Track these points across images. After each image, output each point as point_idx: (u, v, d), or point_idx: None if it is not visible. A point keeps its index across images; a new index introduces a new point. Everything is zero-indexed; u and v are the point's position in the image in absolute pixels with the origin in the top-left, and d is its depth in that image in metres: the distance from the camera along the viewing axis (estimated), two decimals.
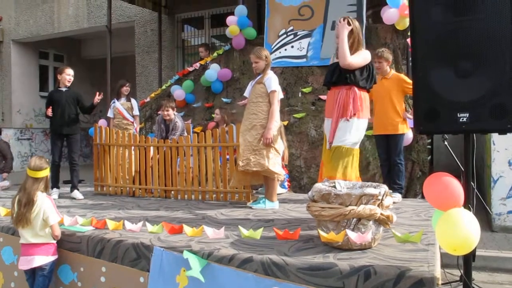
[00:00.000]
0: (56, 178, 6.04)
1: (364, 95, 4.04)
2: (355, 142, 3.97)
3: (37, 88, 15.43)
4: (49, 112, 5.88)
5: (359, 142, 4.04)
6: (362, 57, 3.99)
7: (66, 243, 3.75)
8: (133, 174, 6.13)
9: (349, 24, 3.98)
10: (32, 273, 3.64)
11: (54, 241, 3.69)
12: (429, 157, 6.14)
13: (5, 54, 14.77)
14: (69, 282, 3.73)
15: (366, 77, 4.02)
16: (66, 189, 6.23)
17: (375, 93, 5.27)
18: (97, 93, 6.04)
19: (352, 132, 3.91)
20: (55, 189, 5.99)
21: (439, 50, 2.65)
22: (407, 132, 5.31)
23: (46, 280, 3.63)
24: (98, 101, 6.07)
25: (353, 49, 4.00)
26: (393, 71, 5.31)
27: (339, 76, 4.00)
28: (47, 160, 3.81)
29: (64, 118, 5.99)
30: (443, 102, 2.59)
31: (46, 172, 3.68)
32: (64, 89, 6.08)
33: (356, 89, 3.96)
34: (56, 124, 5.98)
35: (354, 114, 3.91)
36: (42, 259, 3.59)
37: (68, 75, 6.05)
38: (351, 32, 3.99)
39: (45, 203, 3.60)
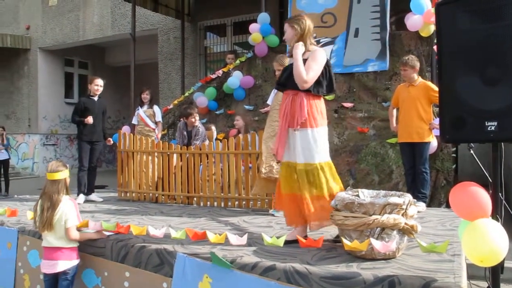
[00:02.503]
0: (84, 184, 6.14)
1: (315, 102, 3.54)
2: (325, 154, 3.56)
3: (62, 95, 15.76)
4: (90, 120, 6.02)
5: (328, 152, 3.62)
6: (316, 68, 3.49)
7: (90, 248, 3.80)
8: (155, 180, 6.19)
9: (295, 27, 3.60)
10: (53, 276, 3.65)
11: (77, 245, 3.73)
12: (453, 166, 6.04)
13: (32, 62, 15.13)
14: (93, 286, 3.77)
15: (321, 82, 3.54)
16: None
17: (401, 100, 5.21)
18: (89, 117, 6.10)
19: (317, 145, 3.49)
20: (81, 195, 6.08)
21: (466, 58, 2.60)
22: (432, 141, 5.23)
23: (70, 284, 3.66)
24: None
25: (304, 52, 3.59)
26: (420, 79, 5.22)
27: (287, 78, 3.61)
28: (65, 163, 3.85)
29: (95, 126, 6.17)
30: (470, 110, 2.54)
31: (64, 174, 3.70)
32: (96, 98, 6.25)
33: (303, 95, 3.50)
34: (88, 131, 6.12)
35: (303, 123, 3.47)
36: (65, 264, 3.62)
37: (97, 85, 6.24)
38: (299, 34, 3.60)
39: (67, 206, 3.65)
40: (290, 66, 3.64)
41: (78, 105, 6.25)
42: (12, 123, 15.38)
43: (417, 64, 5.14)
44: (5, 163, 10.75)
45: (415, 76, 5.16)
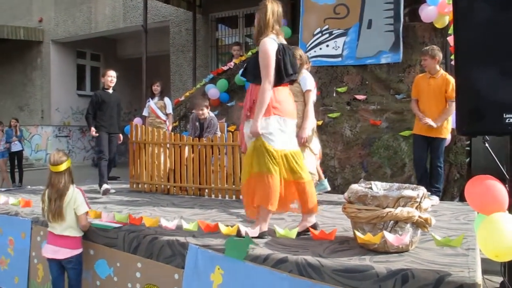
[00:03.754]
0: (106, 175, 6.14)
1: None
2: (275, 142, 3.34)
3: (74, 87, 15.86)
4: (94, 132, 6.05)
5: (276, 140, 3.35)
6: (265, 63, 3.34)
7: (103, 238, 3.82)
8: (167, 172, 6.19)
9: (256, 15, 3.55)
10: (57, 263, 3.69)
11: (81, 234, 3.77)
12: (467, 160, 5.97)
13: (45, 54, 15.22)
14: (105, 276, 3.80)
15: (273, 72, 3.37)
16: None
17: (421, 91, 5.10)
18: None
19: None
20: (104, 185, 5.96)
21: (483, 49, 2.55)
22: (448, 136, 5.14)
23: (77, 272, 3.72)
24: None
25: (259, 34, 3.48)
26: (442, 71, 5.05)
27: (243, 72, 3.66)
28: (65, 152, 3.86)
29: (112, 118, 6.21)
30: (488, 103, 2.50)
31: (67, 164, 3.71)
32: (110, 91, 6.27)
33: (251, 86, 3.49)
34: (106, 123, 6.14)
35: (248, 115, 3.43)
36: (69, 252, 3.66)
37: (110, 76, 6.25)
38: (260, 17, 3.49)
39: (75, 194, 3.70)
40: (247, 59, 3.62)
41: (94, 97, 6.22)
42: (25, 115, 15.52)
43: (439, 55, 4.98)
44: (18, 154, 10.88)
45: (437, 67, 5.01)
